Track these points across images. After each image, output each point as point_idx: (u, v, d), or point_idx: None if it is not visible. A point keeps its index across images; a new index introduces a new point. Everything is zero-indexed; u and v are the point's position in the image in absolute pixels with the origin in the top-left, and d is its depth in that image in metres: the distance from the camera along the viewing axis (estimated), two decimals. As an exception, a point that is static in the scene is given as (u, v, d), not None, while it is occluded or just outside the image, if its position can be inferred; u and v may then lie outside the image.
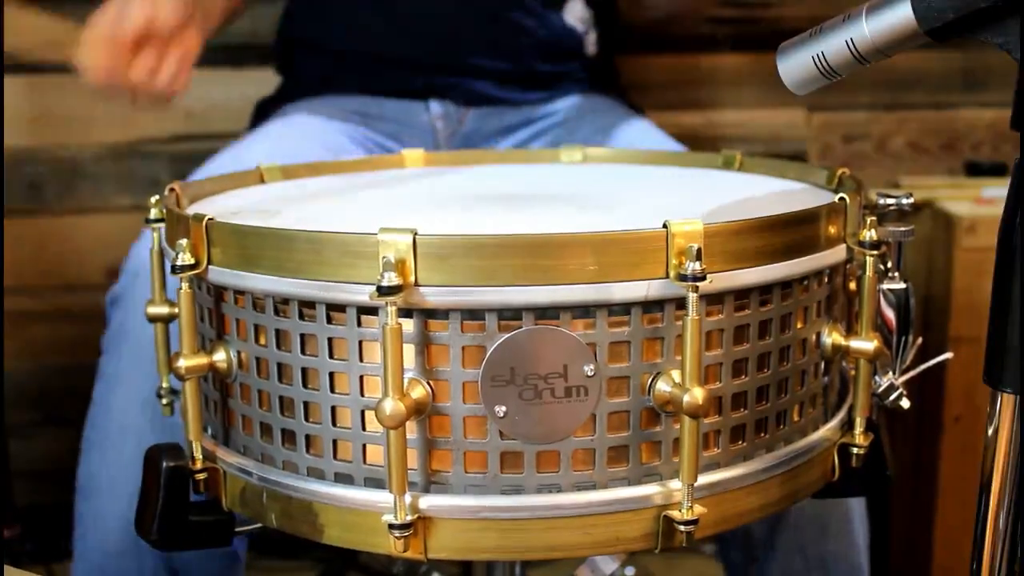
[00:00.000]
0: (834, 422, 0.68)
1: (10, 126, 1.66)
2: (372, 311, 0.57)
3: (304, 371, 0.60)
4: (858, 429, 0.68)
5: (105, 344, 1.04)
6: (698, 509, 0.58)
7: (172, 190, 0.73)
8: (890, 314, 0.68)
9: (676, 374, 0.57)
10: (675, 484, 0.58)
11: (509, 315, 0.56)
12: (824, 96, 1.69)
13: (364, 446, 0.59)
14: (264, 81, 1.44)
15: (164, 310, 0.71)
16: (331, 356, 0.59)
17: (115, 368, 1.01)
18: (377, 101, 1.30)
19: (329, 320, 0.58)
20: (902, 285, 0.68)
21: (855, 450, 0.68)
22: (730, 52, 1.71)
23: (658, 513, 0.58)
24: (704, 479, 0.59)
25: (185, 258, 0.61)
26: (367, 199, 0.83)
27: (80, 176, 1.72)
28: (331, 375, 0.59)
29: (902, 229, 0.66)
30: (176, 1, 1.04)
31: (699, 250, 0.55)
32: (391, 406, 0.54)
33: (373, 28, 1.31)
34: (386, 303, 0.54)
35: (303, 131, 1.21)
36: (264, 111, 1.37)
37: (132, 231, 1.07)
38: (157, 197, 0.71)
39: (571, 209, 0.76)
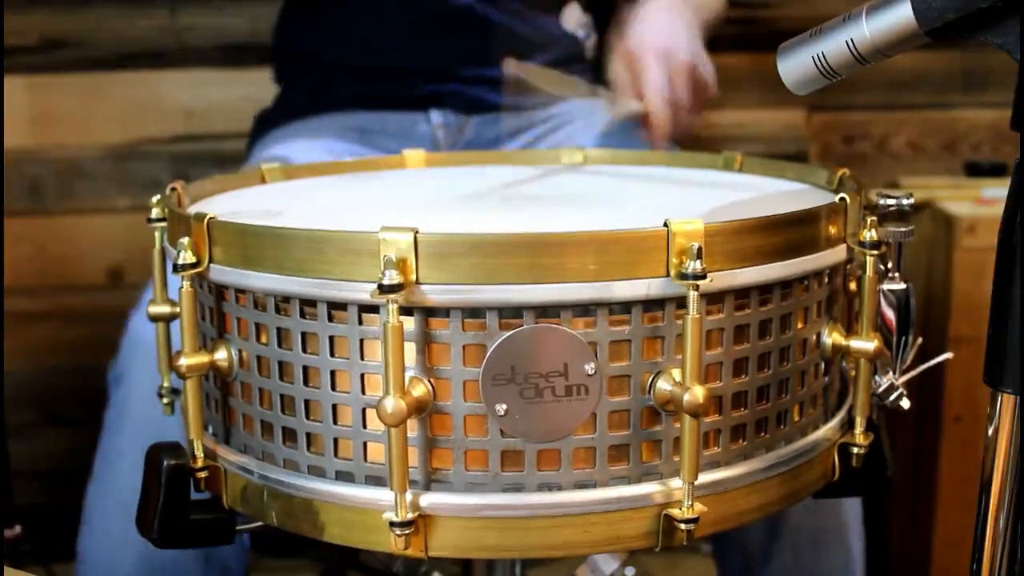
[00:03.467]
0: (834, 422, 0.69)
1: (10, 126, 1.66)
2: (373, 309, 0.57)
3: (305, 369, 0.60)
4: (858, 429, 0.68)
5: (107, 421, 1.04)
6: (698, 508, 0.58)
7: (174, 189, 0.73)
8: (890, 314, 0.68)
9: (677, 373, 0.57)
10: (675, 483, 0.58)
11: (510, 313, 0.56)
12: (824, 96, 1.69)
13: (365, 444, 0.59)
14: (264, 81, 1.45)
15: (165, 309, 0.71)
16: (332, 354, 0.59)
17: (116, 447, 1.01)
18: (376, 115, 1.30)
19: (330, 318, 0.59)
20: (902, 285, 0.68)
21: (855, 450, 0.68)
22: (730, 52, 1.71)
23: (658, 512, 0.59)
24: (704, 478, 0.59)
25: (186, 257, 0.62)
26: (368, 198, 0.83)
27: (80, 176, 1.73)
28: (332, 373, 0.59)
29: (902, 229, 0.66)
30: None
31: (700, 249, 0.55)
32: (392, 404, 0.55)
33: (369, 41, 1.31)
34: (387, 301, 0.54)
35: (302, 157, 1.20)
36: (263, 125, 1.37)
37: (132, 232, 1.07)
38: (159, 197, 0.71)
39: (572, 208, 0.76)
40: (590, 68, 1.38)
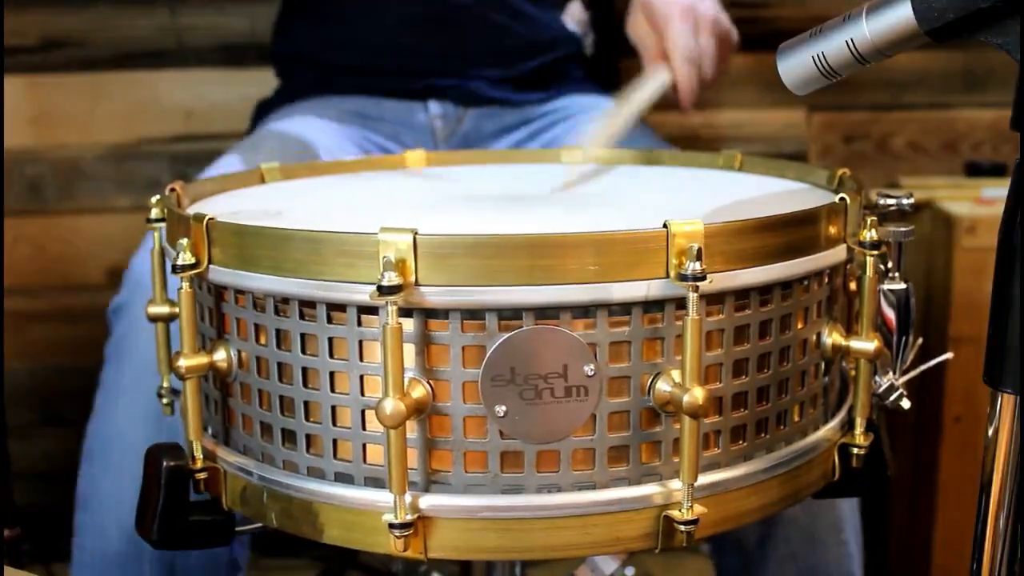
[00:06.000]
0: (834, 422, 0.68)
1: (10, 126, 1.66)
2: (372, 311, 0.57)
3: (304, 371, 0.60)
4: (858, 429, 0.68)
5: (107, 354, 1.04)
6: (698, 509, 0.58)
7: (173, 190, 0.73)
8: (890, 314, 0.68)
9: (676, 374, 0.57)
10: (675, 484, 0.58)
11: (509, 315, 0.56)
12: (824, 96, 1.69)
13: (364, 446, 0.59)
14: (264, 81, 1.45)
15: (165, 310, 0.71)
16: (331, 356, 0.59)
17: (117, 378, 1.01)
18: (376, 102, 1.31)
19: (329, 320, 0.58)
20: (902, 285, 0.68)
21: (855, 450, 0.68)
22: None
23: (658, 513, 0.59)
24: (704, 479, 0.59)
25: (186, 258, 0.62)
26: (367, 199, 0.83)
27: (80, 176, 1.72)
28: (331, 375, 0.59)
29: (902, 229, 0.66)
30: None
31: (699, 250, 0.55)
32: (391, 406, 0.54)
33: (369, 42, 1.31)
34: (386, 303, 0.54)
35: (301, 133, 1.21)
36: (264, 112, 1.37)
37: (132, 231, 1.07)
38: (158, 197, 0.71)
39: (571, 209, 0.76)
40: (589, 66, 1.38)
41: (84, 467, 1.03)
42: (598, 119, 1.04)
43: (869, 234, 0.64)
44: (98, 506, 1.00)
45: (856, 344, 0.66)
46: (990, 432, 0.56)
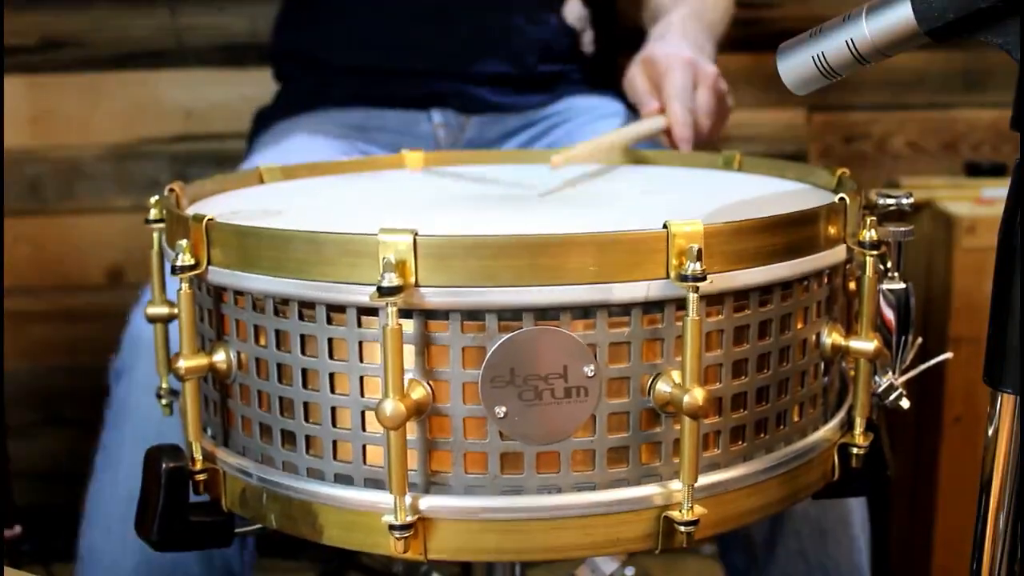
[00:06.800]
0: (834, 422, 0.68)
1: (10, 126, 1.66)
2: (372, 312, 0.57)
3: (304, 372, 0.60)
4: (858, 429, 0.68)
5: (107, 418, 1.04)
6: (698, 510, 0.58)
7: (172, 190, 0.73)
8: (890, 314, 0.68)
9: (676, 375, 0.57)
10: (675, 485, 0.58)
11: (509, 316, 0.56)
12: (824, 96, 1.69)
13: (364, 447, 0.59)
14: (264, 81, 1.44)
15: (164, 310, 0.71)
16: (331, 357, 0.59)
17: (117, 442, 1.01)
18: (377, 113, 1.30)
19: (329, 321, 0.58)
20: (902, 285, 0.68)
21: (855, 450, 0.68)
22: (730, 52, 1.70)
23: (658, 514, 0.58)
24: (704, 480, 0.59)
25: (185, 258, 0.61)
26: (367, 199, 0.83)
27: (80, 176, 1.73)
28: (331, 376, 0.59)
29: (902, 229, 0.66)
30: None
31: (699, 250, 0.55)
32: (391, 407, 0.54)
33: (369, 41, 1.31)
34: (386, 304, 0.54)
35: (301, 152, 1.20)
36: (262, 121, 1.36)
37: (132, 231, 1.06)
38: (157, 197, 0.71)
39: (571, 209, 0.76)
40: (589, 64, 1.38)
41: (85, 530, 1.03)
42: (585, 143, 1.02)
43: (869, 234, 0.64)
44: (98, 568, 1.00)
45: (856, 344, 0.66)
46: (990, 432, 0.56)
